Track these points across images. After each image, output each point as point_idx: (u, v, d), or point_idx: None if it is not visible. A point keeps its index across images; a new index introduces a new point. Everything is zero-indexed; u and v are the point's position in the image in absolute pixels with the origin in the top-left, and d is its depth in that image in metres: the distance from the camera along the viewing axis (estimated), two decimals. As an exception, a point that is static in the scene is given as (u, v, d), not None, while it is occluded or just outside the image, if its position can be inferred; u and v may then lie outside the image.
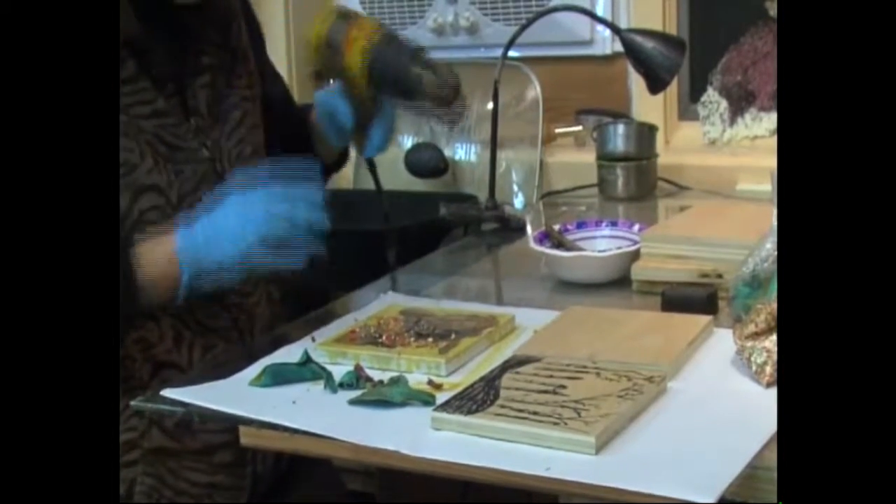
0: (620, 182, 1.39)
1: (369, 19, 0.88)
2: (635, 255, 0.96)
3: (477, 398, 0.67)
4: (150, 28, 0.80)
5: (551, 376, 0.70)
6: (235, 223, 0.76)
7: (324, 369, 0.75)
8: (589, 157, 1.44)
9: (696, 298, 0.86)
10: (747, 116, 1.51)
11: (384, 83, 0.86)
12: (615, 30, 1.28)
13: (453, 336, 0.79)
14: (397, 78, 0.84)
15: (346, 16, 0.88)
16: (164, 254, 0.77)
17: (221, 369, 0.78)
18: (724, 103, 1.52)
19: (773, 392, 0.68)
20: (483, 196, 1.35)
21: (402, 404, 0.69)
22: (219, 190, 0.79)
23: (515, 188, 1.52)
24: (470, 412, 0.65)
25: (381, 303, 0.92)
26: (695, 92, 1.56)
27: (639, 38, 1.24)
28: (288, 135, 0.96)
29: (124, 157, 0.78)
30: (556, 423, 0.63)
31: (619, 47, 1.31)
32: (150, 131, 0.80)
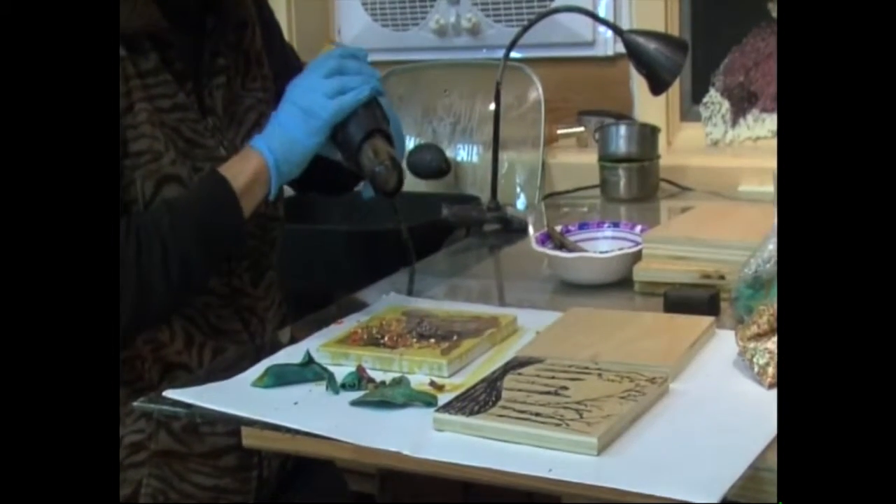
0: (622, 183, 1.39)
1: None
2: (637, 257, 0.96)
3: (479, 399, 0.67)
4: (172, 23, 0.81)
5: (553, 377, 0.70)
6: (298, 94, 0.81)
7: (326, 370, 0.75)
8: (591, 158, 1.44)
9: (698, 300, 0.86)
10: (749, 117, 1.51)
11: (339, 143, 0.83)
12: (617, 31, 1.28)
13: (455, 337, 0.79)
14: (350, 149, 0.82)
15: None
16: (248, 157, 0.81)
17: (224, 370, 0.78)
18: (726, 104, 1.52)
19: (775, 393, 0.68)
20: (485, 197, 1.35)
21: (404, 405, 0.69)
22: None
23: (517, 189, 1.52)
24: (472, 413, 0.65)
25: (383, 304, 0.92)
26: (697, 93, 1.56)
27: (641, 40, 1.24)
28: None
29: (149, 144, 0.79)
30: (558, 425, 0.63)
31: (621, 48, 1.31)
32: (170, 125, 0.81)
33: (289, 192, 1.21)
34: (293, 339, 0.84)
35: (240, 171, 0.80)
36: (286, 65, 0.96)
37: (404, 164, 1.46)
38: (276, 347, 0.82)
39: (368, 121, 0.81)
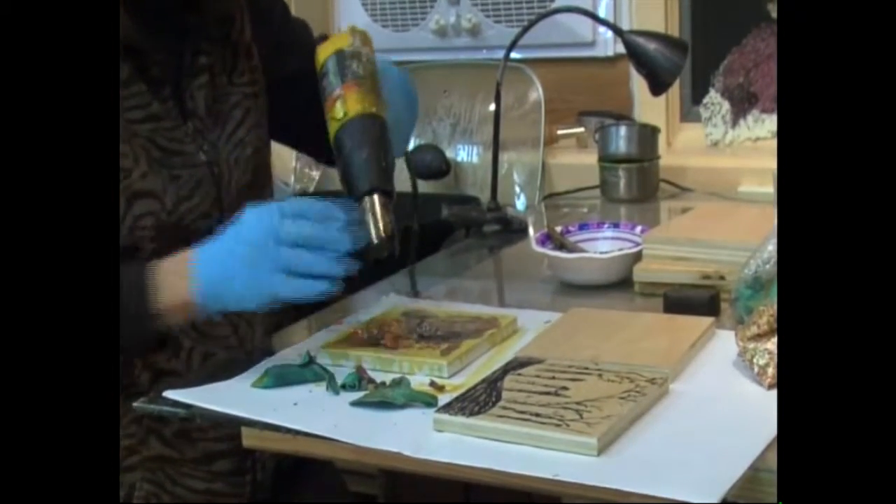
0: (622, 184, 1.39)
1: (363, 85, 0.77)
2: (637, 257, 0.95)
3: (479, 400, 0.67)
4: (146, 29, 0.78)
5: (553, 378, 0.70)
6: (247, 254, 0.71)
7: (326, 371, 0.75)
8: (591, 158, 1.44)
9: (698, 300, 0.85)
10: (749, 118, 1.51)
11: (339, 174, 0.76)
12: (617, 31, 1.28)
13: (455, 338, 0.79)
14: (348, 191, 0.75)
15: (342, 59, 0.79)
16: (180, 290, 0.73)
17: (224, 371, 0.77)
18: (726, 105, 1.52)
19: (775, 394, 0.67)
20: (485, 198, 1.35)
21: (404, 406, 0.69)
22: (232, 216, 0.74)
23: (517, 190, 1.52)
24: (472, 414, 0.65)
25: (383, 304, 0.92)
26: (697, 94, 1.56)
27: (641, 40, 1.24)
28: (302, 122, 0.92)
29: None
30: (558, 425, 0.63)
31: (621, 49, 1.31)
32: (144, 136, 0.79)
33: (284, 191, 1.19)
34: (292, 341, 0.84)
35: (167, 288, 0.73)
36: (289, 44, 0.91)
37: (404, 165, 1.46)
38: (266, 352, 0.81)
39: (370, 175, 0.74)
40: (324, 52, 0.82)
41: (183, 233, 0.80)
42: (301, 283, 0.71)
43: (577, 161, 1.51)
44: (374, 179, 0.75)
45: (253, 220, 0.73)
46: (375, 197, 0.75)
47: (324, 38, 0.97)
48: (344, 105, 0.78)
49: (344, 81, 0.79)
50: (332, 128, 0.79)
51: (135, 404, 0.74)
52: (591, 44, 1.57)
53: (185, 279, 0.73)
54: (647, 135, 1.41)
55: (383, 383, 0.73)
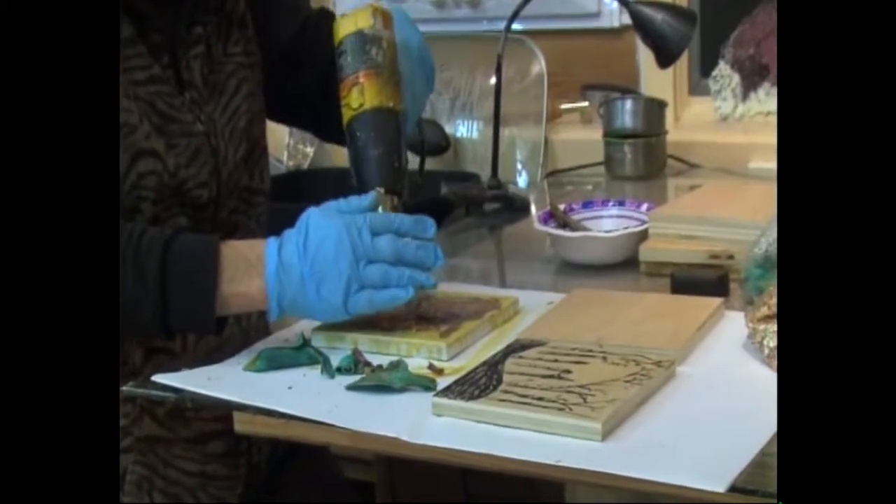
0: (628, 160, 1.37)
1: (381, 75, 0.77)
2: (643, 236, 0.94)
3: (479, 383, 0.66)
4: None
5: (556, 361, 0.69)
6: (322, 257, 0.70)
7: (321, 354, 0.73)
8: (595, 134, 1.42)
9: (706, 280, 0.84)
10: (760, 91, 1.49)
11: (350, 160, 0.77)
12: (623, 2, 1.26)
13: (455, 319, 0.77)
14: (357, 179, 0.76)
15: (363, 41, 0.78)
16: (254, 281, 0.71)
17: (215, 354, 0.76)
18: (736, 78, 1.50)
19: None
20: (486, 175, 1.33)
21: (402, 390, 0.68)
22: (308, 215, 0.72)
23: (519, 166, 1.51)
24: (472, 398, 0.64)
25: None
26: (706, 66, 1.54)
27: (648, 11, 1.22)
28: (301, 92, 0.92)
29: (123, 118, 0.76)
30: (561, 409, 0.62)
31: (627, 20, 1.29)
32: (145, 98, 0.79)
33: (278, 168, 1.16)
34: (284, 323, 0.82)
35: (238, 282, 0.71)
36: (283, 13, 0.91)
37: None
38: (262, 330, 0.80)
39: (381, 174, 0.75)
40: (343, 28, 0.81)
41: (182, 199, 0.80)
42: (383, 293, 0.71)
43: (580, 136, 1.49)
44: (386, 179, 0.76)
45: (336, 234, 0.71)
46: (386, 197, 0.76)
47: (323, 11, 0.96)
48: (361, 95, 0.78)
49: (362, 68, 0.79)
50: (346, 115, 0.79)
51: (123, 388, 0.73)
52: (596, 14, 1.54)
53: (259, 273, 0.71)
54: (654, 109, 1.39)
55: (380, 366, 0.71)
